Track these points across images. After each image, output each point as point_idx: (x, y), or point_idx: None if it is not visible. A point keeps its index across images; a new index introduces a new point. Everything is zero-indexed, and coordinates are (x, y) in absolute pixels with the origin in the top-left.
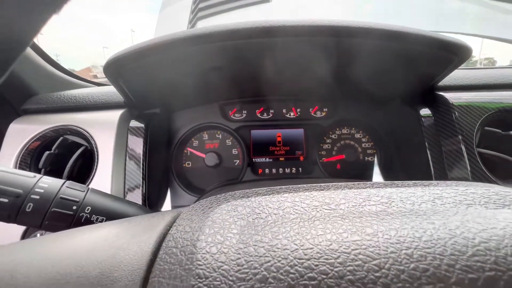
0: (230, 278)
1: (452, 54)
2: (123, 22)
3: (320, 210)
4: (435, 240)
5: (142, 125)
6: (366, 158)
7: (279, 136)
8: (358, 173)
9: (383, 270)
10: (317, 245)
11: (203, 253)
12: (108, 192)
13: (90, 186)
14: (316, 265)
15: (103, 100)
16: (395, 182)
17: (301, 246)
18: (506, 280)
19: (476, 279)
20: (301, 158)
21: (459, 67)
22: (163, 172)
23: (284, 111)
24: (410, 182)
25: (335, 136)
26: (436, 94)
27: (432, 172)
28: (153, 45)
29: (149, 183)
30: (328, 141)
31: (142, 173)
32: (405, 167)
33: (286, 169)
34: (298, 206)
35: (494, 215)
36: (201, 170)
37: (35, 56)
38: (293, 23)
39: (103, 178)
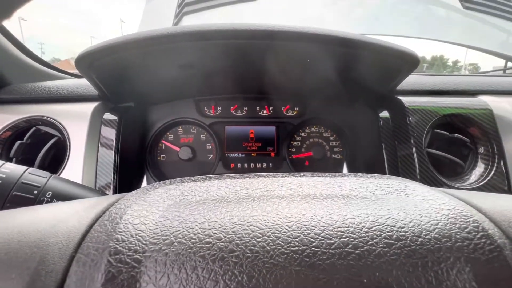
0: (144, 242)
1: (402, 61)
2: (114, 12)
3: (238, 193)
4: (314, 216)
5: (116, 118)
6: (333, 155)
7: (252, 133)
8: (324, 169)
9: (264, 237)
10: (221, 219)
11: (125, 223)
12: (79, 182)
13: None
14: (214, 233)
15: (78, 93)
16: (314, 173)
17: (208, 219)
18: (354, 244)
19: (331, 244)
20: (272, 154)
21: (417, 73)
22: (137, 165)
23: (257, 109)
24: (326, 174)
25: (305, 134)
26: (394, 97)
27: (387, 170)
28: (122, 42)
29: (122, 175)
30: (298, 138)
31: (114, 165)
32: (366, 165)
33: (257, 165)
34: (222, 190)
35: (376, 200)
36: (175, 163)
37: (9, 46)
38: (257, 27)
39: (74, 169)
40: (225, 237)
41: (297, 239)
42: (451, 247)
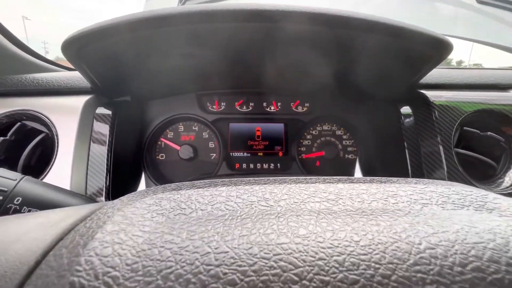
0: None
1: (433, 49)
2: (118, 10)
3: (256, 206)
4: (374, 245)
5: (110, 113)
6: (346, 155)
7: (258, 130)
8: (337, 170)
9: (304, 282)
10: (235, 248)
11: (89, 255)
12: (68, 185)
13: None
14: (225, 274)
15: (68, 85)
16: (351, 178)
17: (215, 249)
18: None
19: None
20: (280, 154)
21: (441, 66)
22: (133, 165)
23: (264, 104)
24: (367, 179)
25: (316, 132)
26: (417, 92)
27: (410, 171)
28: (114, 25)
29: (116, 176)
30: (308, 137)
31: (107, 165)
32: (385, 166)
33: (264, 165)
34: (232, 201)
35: (449, 217)
36: (175, 163)
37: None
38: (280, 7)
39: (62, 169)
40: (241, 281)
41: (356, 287)
42: None
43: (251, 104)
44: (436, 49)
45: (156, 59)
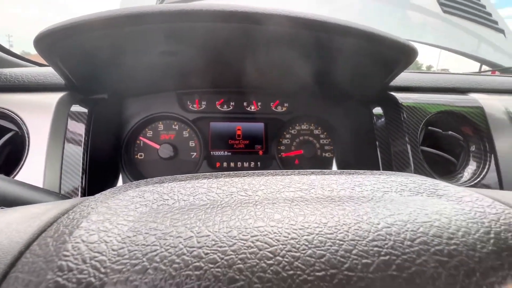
0: (103, 271)
1: (400, 53)
2: (89, 5)
3: (235, 196)
4: (339, 226)
5: (85, 111)
6: (324, 154)
7: (239, 130)
8: (315, 168)
9: (277, 258)
10: (215, 232)
11: (76, 242)
12: (41, 185)
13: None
14: (207, 254)
15: (39, 81)
16: (323, 170)
17: (198, 233)
18: (398, 264)
19: (369, 264)
20: (260, 153)
21: (411, 71)
22: (111, 164)
23: (245, 104)
24: (338, 171)
25: (295, 131)
26: (388, 94)
27: (381, 168)
28: (90, 21)
29: (92, 176)
30: (287, 136)
31: (83, 164)
32: (359, 164)
33: (244, 163)
34: (213, 192)
35: (405, 202)
36: (154, 163)
37: None
38: (256, 10)
39: (34, 169)
40: (221, 259)
41: (322, 260)
42: None
43: (231, 103)
44: (402, 53)
45: (133, 56)
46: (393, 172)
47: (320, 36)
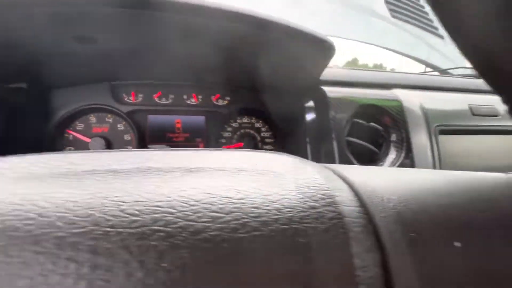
0: None
1: (319, 48)
2: None
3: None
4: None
5: None
6: (264, 146)
7: (178, 123)
8: None
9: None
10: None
11: None
12: None
13: None
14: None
15: None
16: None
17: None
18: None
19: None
20: (201, 146)
21: (348, 68)
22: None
23: (185, 97)
24: (198, 149)
25: (236, 124)
26: (319, 88)
27: (310, 158)
28: None
29: None
30: (228, 129)
31: None
32: (296, 154)
33: None
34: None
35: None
36: None
37: None
38: None
39: None
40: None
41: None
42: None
43: (170, 96)
44: (321, 48)
45: (43, 43)
46: (270, 152)
47: (240, 28)
